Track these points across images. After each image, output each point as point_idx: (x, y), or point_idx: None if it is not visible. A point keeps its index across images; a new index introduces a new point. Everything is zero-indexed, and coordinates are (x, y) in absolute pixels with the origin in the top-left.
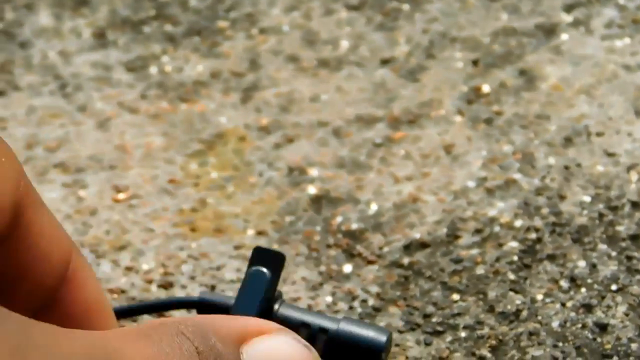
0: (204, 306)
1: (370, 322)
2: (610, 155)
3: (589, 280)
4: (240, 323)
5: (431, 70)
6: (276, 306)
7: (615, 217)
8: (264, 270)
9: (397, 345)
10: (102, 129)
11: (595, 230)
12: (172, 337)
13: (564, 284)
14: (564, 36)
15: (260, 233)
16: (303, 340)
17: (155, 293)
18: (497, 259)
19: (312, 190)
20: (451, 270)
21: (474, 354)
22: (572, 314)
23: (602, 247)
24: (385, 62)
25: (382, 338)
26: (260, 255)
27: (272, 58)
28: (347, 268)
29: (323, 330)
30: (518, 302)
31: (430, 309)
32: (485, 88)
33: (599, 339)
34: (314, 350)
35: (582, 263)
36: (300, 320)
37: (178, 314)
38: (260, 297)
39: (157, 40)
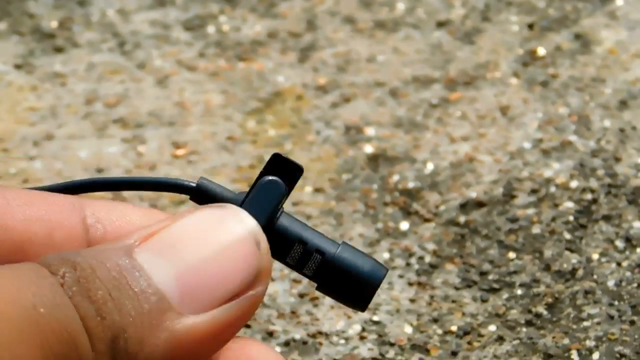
0: (200, 194)
1: (371, 256)
2: None
3: None
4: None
5: (487, 32)
6: (277, 214)
7: None
8: (280, 181)
9: (453, 301)
10: (161, 86)
11: None
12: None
13: (620, 244)
14: (619, 1)
15: (317, 190)
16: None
17: None
18: (553, 219)
19: (369, 149)
20: (507, 229)
21: (530, 311)
22: (628, 274)
23: None
24: (441, 24)
25: (379, 273)
26: (278, 163)
27: (329, 19)
28: (404, 225)
29: (319, 252)
30: (574, 261)
31: (486, 266)
32: (541, 51)
33: None
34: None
35: (637, 224)
36: (299, 236)
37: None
38: (270, 209)
39: (214, 0)
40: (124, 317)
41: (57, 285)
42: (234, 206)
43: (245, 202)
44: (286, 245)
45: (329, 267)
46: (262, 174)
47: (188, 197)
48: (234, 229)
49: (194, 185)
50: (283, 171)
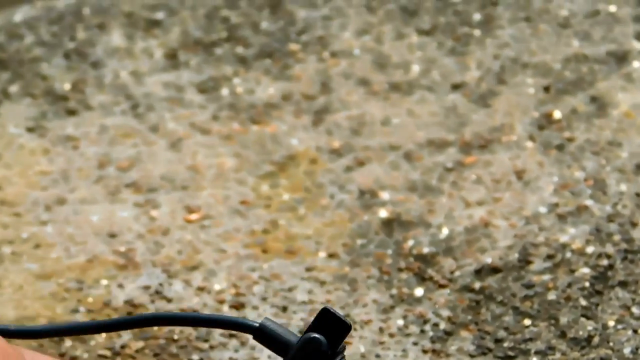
0: (262, 334)
1: None
2: None
3: None
4: None
5: (502, 95)
6: None
7: None
8: (321, 338)
9: None
10: (174, 149)
11: None
12: None
13: (636, 310)
14: (636, 63)
15: (331, 255)
16: None
17: (227, 313)
18: (569, 285)
19: (383, 213)
20: (523, 295)
21: None
22: None
23: None
24: (456, 86)
25: None
26: (326, 318)
27: (343, 81)
28: (419, 291)
29: None
30: (590, 328)
31: (501, 333)
32: (557, 114)
33: None
34: None
35: None
36: None
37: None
38: None
39: (228, 61)
40: None
41: None
42: None
43: (292, 355)
44: None
45: None
46: (309, 328)
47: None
48: None
49: (256, 325)
50: (330, 327)
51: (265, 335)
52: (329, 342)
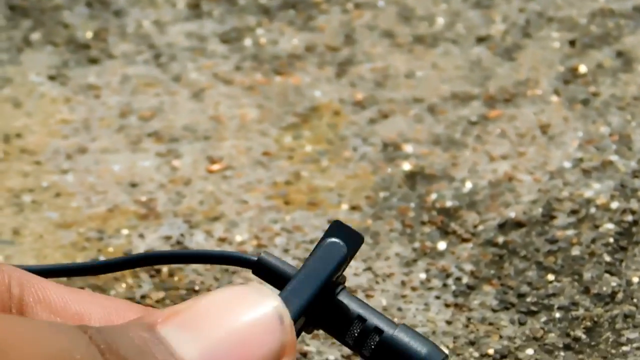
0: (260, 268)
1: (429, 339)
2: None
3: None
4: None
5: (527, 49)
6: (337, 289)
7: None
8: (342, 243)
9: (490, 324)
10: (196, 100)
11: None
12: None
13: None
14: None
15: (354, 208)
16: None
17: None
18: (593, 241)
19: (406, 166)
20: (546, 251)
21: (568, 335)
22: None
23: None
24: (481, 40)
25: (437, 357)
26: (338, 230)
27: (368, 33)
28: (442, 245)
29: (377, 330)
30: (613, 284)
31: (524, 288)
32: (582, 69)
33: None
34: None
35: None
36: (357, 313)
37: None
38: (330, 270)
39: (251, 12)
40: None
41: (96, 351)
42: (256, 284)
43: (304, 265)
44: (345, 321)
45: (385, 347)
46: (323, 238)
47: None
48: (257, 306)
49: (254, 259)
50: (344, 238)
51: (264, 268)
52: (347, 249)
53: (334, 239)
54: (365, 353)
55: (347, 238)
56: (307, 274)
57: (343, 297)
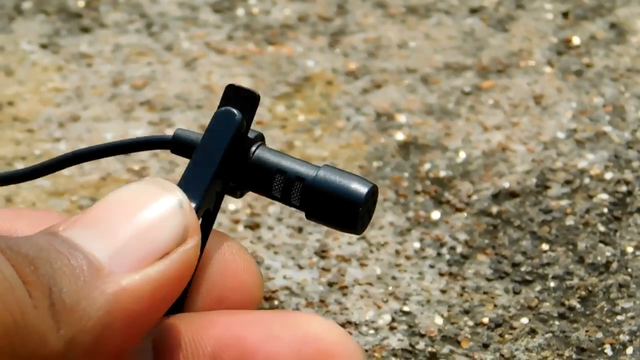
0: (179, 145)
1: (356, 174)
2: None
3: None
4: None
5: (520, 20)
6: (253, 149)
7: None
8: (234, 110)
9: (485, 293)
10: (188, 69)
11: None
12: None
13: None
14: None
15: None
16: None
17: (242, 233)
18: (587, 211)
19: (400, 136)
20: (540, 220)
21: (563, 304)
22: None
23: None
24: (474, 10)
25: (363, 190)
26: (233, 94)
27: (360, 3)
28: (435, 215)
29: (299, 178)
30: (608, 253)
31: (519, 258)
32: (576, 40)
33: None
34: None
35: None
36: (277, 166)
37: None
38: (228, 138)
39: None
40: (56, 271)
41: None
42: (153, 178)
43: (202, 139)
44: (267, 178)
45: (311, 191)
46: (219, 107)
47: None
48: (156, 196)
49: (170, 138)
50: (238, 101)
51: (181, 145)
52: (241, 113)
53: (225, 107)
54: (295, 203)
55: (241, 101)
56: (202, 154)
57: (261, 154)
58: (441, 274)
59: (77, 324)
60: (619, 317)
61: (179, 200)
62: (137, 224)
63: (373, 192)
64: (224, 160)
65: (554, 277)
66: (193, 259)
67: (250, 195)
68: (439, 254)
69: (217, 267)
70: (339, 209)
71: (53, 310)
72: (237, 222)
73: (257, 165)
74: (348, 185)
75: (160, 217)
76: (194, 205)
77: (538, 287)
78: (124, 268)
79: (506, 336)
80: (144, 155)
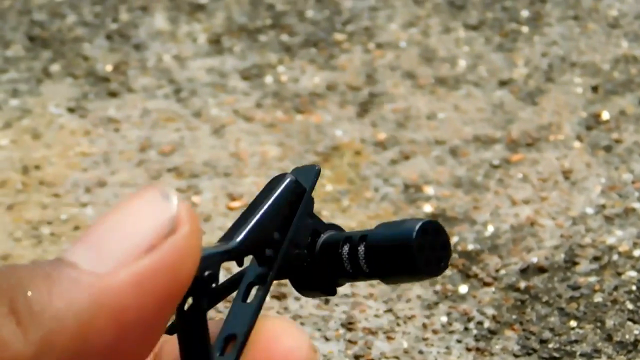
0: None
1: (414, 218)
2: None
3: None
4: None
5: (550, 94)
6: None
7: None
8: (300, 182)
9: None
10: (217, 135)
11: None
12: None
13: None
14: None
15: None
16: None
17: (269, 303)
18: (616, 288)
19: (428, 208)
20: (569, 297)
21: None
22: None
23: None
24: (503, 83)
25: (412, 229)
26: (297, 171)
27: (389, 73)
28: (463, 289)
29: (362, 238)
30: (636, 332)
31: (546, 334)
32: (605, 115)
33: None
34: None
35: None
36: (344, 236)
37: None
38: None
39: (273, 49)
40: (21, 280)
41: None
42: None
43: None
44: (336, 254)
45: (371, 247)
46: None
47: None
48: (139, 192)
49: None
50: (302, 174)
51: None
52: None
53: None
54: (365, 269)
55: (303, 174)
56: (251, 206)
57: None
58: (468, 349)
59: (48, 325)
60: None
61: (161, 192)
62: (117, 221)
63: (427, 228)
64: (268, 210)
65: (581, 355)
66: (186, 248)
67: None
68: (466, 329)
69: (266, 346)
70: (396, 255)
71: (16, 317)
72: None
73: (326, 244)
74: (399, 228)
75: (141, 210)
76: (238, 239)
77: None
78: (107, 267)
79: None
80: None
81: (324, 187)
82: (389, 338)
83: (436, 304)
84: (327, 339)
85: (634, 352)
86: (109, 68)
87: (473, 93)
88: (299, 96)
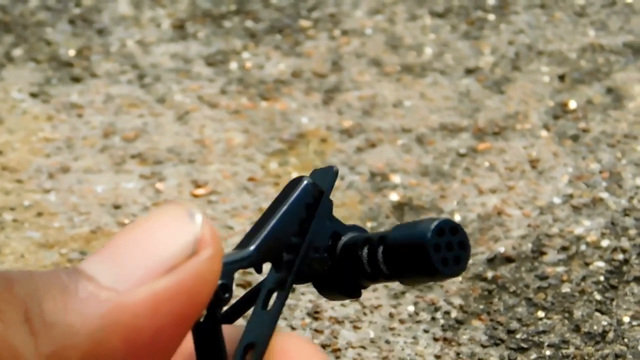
0: None
1: (430, 217)
2: None
3: None
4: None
5: (517, 82)
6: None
7: None
8: (317, 184)
9: (479, 359)
10: (181, 122)
11: None
12: None
13: None
14: None
15: None
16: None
17: (234, 291)
18: (584, 278)
19: (394, 196)
20: (536, 287)
21: None
22: None
23: None
24: (470, 71)
25: (427, 229)
26: (313, 173)
27: (355, 60)
28: None
29: (381, 239)
30: (604, 323)
31: (514, 324)
32: (572, 104)
33: None
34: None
35: None
36: (363, 237)
37: None
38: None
39: (237, 35)
40: (37, 290)
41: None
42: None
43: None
44: (356, 256)
45: (388, 248)
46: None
47: None
48: (164, 209)
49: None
50: (318, 176)
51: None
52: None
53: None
54: (385, 271)
55: (320, 176)
56: (269, 211)
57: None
58: (435, 339)
59: (60, 339)
60: None
61: (187, 210)
62: (139, 236)
63: (443, 228)
64: (285, 215)
65: (549, 345)
66: (207, 273)
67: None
68: (433, 319)
69: None
70: (414, 255)
71: (30, 326)
72: None
73: (346, 247)
74: (415, 229)
75: (165, 229)
76: (253, 246)
77: (533, 355)
78: (126, 284)
79: None
80: (135, 208)
81: (290, 175)
82: (355, 327)
83: (403, 293)
84: (293, 328)
85: (602, 342)
86: (72, 53)
87: (439, 81)
88: (264, 83)
